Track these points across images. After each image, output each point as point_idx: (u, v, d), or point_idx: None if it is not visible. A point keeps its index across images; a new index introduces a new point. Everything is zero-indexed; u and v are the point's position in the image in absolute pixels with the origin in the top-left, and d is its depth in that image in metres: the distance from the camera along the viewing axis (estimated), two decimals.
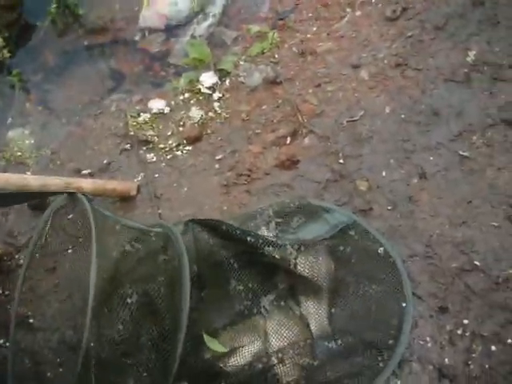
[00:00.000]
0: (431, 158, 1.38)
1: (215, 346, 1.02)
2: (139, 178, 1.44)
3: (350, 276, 1.17)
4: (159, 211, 1.33)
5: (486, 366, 1.09)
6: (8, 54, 1.81)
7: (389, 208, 1.31)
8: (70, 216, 1.27)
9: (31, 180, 1.27)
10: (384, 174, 1.37)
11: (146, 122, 1.53)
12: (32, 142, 1.58)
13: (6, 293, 1.30)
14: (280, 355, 1.06)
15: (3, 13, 1.87)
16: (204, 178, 1.42)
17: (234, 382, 1.03)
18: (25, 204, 1.42)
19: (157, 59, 1.79)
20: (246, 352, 1.04)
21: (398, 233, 1.27)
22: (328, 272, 1.15)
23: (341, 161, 1.40)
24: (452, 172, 1.35)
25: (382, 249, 1.21)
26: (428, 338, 1.14)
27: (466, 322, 1.15)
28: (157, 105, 1.56)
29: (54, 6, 1.94)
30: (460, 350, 1.12)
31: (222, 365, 1.04)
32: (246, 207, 1.34)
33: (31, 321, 1.24)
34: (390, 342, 1.09)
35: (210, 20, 1.89)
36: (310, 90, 1.54)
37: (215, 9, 1.92)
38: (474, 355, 1.11)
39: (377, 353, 1.08)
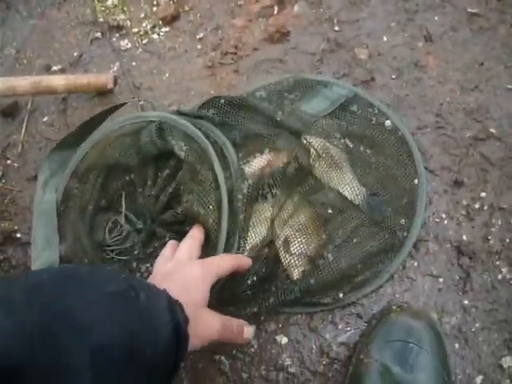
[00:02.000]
0: (436, 18, 1.25)
1: None
2: (115, 69, 1.30)
3: (357, 153, 1.08)
4: (140, 102, 1.20)
5: (507, 240, 1.03)
6: None
7: (393, 77, 1.19)
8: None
9: None
10: (385, 38, 1.24)
11: (115, 6, 1.37)
12: None
13: None
14: (286, 244, 0.98)
15: None
16: (186, 60, 1.28)
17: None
18: None
19: None
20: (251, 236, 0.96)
21: (404, 103, 1.16)
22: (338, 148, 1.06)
23: (336, 28, 1.26)
24: (460, 32, 1.23)
25: (388, 122, 1.11)
26: (444, 215, 1.06)
27: (483, 195, 1.07)
28: None
29: None
30: (478, 225, 1.05)
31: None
32: (235, 89, 1.22)
33: (18, 235, 1.18)
34: (404, 221, 1.02)
35: None
36: None
37: None
38: (493, 229, 1.04)
39: (390, 234, 1.01)
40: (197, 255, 0.83)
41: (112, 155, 1.03)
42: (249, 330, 0.84)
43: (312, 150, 1.02)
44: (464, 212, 1.06)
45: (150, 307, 0.60)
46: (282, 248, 0.96)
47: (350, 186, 1.02)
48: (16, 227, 1.19)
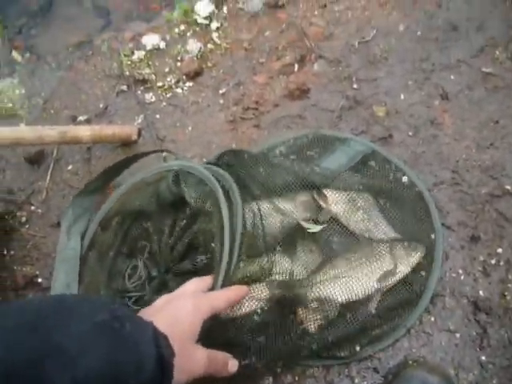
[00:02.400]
0: (452, 77, 1.29)
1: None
2: (139, 121, 1.35)
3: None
4: (164, 154, 1.24)
5: None
6: None
7: (410, 134, 1.22)
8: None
9: (25, 132, 1.20)
10: (402, 97, 1.27)
11: (141, 60, 1.43)
12: (22, 91, 1.48)
13: (12, 253, 1.24)
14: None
15: None
16: (209, 114, 1.33)
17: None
18: (21, 158, 1.35)
19: None
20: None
21: (421, 160, 1.19)
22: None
23: (355, 86, 1.30)
24: (475, 91, 1.26)
25: (405, 178, 1.13)
26: (460, 270, 1.08)
27: (499, 250, 1.09)
28: (151, 40, 1.45)
29: None
30: (495, 281, 1.06)
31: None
32: (256, 143, 1.25)
33: (40, 280, 1.20)
34: (421, 275, 1.03)
35: None
36: (316, 12, 1.43)
37: None
38: (509, 285, 1.05)
39: (407, 288, 1.01)
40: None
41: (134, 203, 1.06)
42: (233, 364, 0.83)
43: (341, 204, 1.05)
44: (480, 268, 1.08)
45: (134, 338, 0.60)
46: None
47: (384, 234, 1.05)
48: (37, 272, 1.21)
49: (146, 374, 0.59)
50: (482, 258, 1.08)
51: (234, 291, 0.83)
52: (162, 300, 0.78)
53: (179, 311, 0.73)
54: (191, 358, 0.71)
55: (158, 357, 0.61)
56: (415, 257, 1.01)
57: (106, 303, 0.66)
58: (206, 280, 0.85)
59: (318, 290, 0.96)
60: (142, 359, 0.59)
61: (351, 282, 0.97)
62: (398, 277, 0.99)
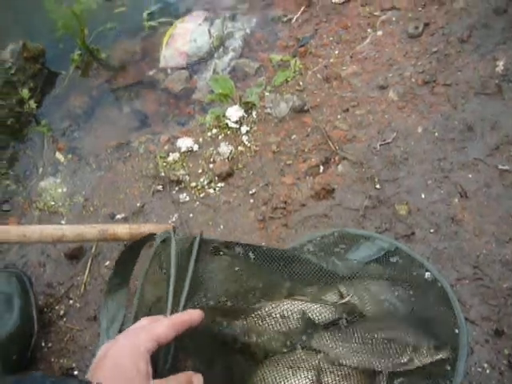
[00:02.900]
0: (470, 176, 1.34)
1: None
2: (174, 219, 1.43)
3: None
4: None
5: None
6: (34, 105, 1.83)
7: (431, 231, 1.28)
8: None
9: (66, 230, 1.27)
10: (423, 195, 1.33)
11: (175, 162, 1.53)
12: (64, 190, 1.59)
13: (49, 345, 1.29)
14: None
15: (27, 64, 1.89)
16: (239, 213, 1.40)
17: None
18: (61, 253, 1.42)
19: (181, 97, 1.79)
20: None
21: (443, 256, 1.23)
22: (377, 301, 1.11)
23: (377, 186, 1.37)
24: (493, 188, 1.32)
25: (428, 274, 1.17)
26: (485, 365, 1.10)
27: None
28: (185, 143, 1.56)
29: (78, 52, 1.98)
30: None
31: None
32: (284, 241, 1.32)
33: (76, 373, 1.24)
34: (446, 370, 1.05)
35: (231, 54, 1.89)
36: (339, 116, 1.52)
37: (235, 42, 1.93)
38: None
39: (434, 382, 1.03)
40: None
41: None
42: (199, 378, 0.76)
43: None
44: (505, 361, 1.09)
45: None
46: None
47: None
48: (74, 365, 1.25)
49: None
50: (506, 352, 1.10)
51: (181, 316, 0.76)
52: (101, 351, 0.69)
53: (118, 357, 0.66)
54: None
55: None
56: (437, 357, 1.03)
57: (47, 378, 0.61)
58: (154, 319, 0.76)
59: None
60: None
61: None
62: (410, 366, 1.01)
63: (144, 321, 0.75)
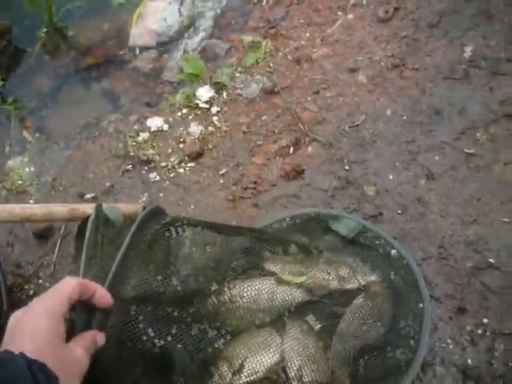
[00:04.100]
0: (437, 158, 1.37)
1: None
2: (144, 199, 1.43)
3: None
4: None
5: (510, 364, 1.09)
6: (1, 82, 1.79)
7: (399, 212, 1.30)
8: None
9: (36, 209, 1.25)
10: (391, 177, 1.36)
11: (145, 142, 1.52)
12: (32, 169, 1.57)
13: None
14: (298, 373, 1.03)
15: None
16: (209, 193, 1.41)
17: None
18: (29, 233, 1.41)
19: (151, 77, 1.78)
20: (259, 366, 1.00)
21: (409, 236, 1.26)
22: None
23: (346, 167, 1.39)
24: (459, 170, 1.35)
25: (394, 251, 1.19)
26: (449, 340, 1.14)
27: (485, 321, 1.14)
28: (155, 123, 1.55)
29: (44, 30, 1.94)
30: (482, 350, 1.11)
31: (234, 379, 1.01)
32: (254, 220, 1.33)
33: None
34: (411, 343, 1.08)
35: (201, 34, 1.88)
36: (309, 98, 1.53)
37: (205, 22, 1.92)
38: (496, 354, 1.10)
39: (398, 356, 1.06)
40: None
41: None
42: (102, 336, 0.75)
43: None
44: (468, 337, 1.13)
45: (6, 380, 0.56)
46: (295, 377, 1.02)
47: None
48: None
49: None
50: (469, 329, 1.14)
51: (83, 281, 0.72)
52: (13, 319, 0.67)
53: (34, 323, 0.64)
54: (72, 362, 0.67)
55: None
56: (370, 278, 1.11)
57: None
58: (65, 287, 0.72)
59: None
60: None
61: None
62: (352, 284, 1.08)
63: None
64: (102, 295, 0.75)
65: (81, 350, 0.69)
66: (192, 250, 0.98)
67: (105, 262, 0.89)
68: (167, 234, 0.99)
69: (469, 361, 1.10)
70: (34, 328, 0.64)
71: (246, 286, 1.01)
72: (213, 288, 0.98)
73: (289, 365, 1.01)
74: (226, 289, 0.99)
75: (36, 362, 0.59)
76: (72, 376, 0.65)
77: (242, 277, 1.02)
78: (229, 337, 0.98)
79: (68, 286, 0.69)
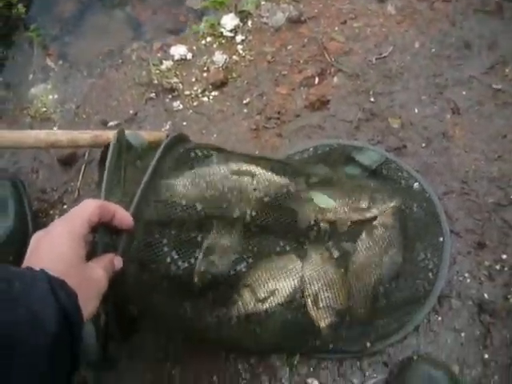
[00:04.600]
0: (464, 93, 1.35)
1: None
2: (167, 127, 1.43)
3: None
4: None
5: None
6: (23, 9, 1.77)
7: (423, 145, 1.29)
8: None
9: (60, 135, 1.27)
10: (416, 110, 1.34)
11: (169, 70, 1.51)
12: (55, 96, 1.57)
13: None
14: (315, 298, 1.05)
15: None
16: (233, 123, 1.40)
17: (267, 324, 1.04)
18: (54, 159, 1.42)
19: (174, 4, 1.73)
20: (280, 291, 1.03)
21: (433, 170, 1.26)
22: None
23: (372, 99, 1.37)
24: (485, 106, 1.33)
25: (416, 184, 1.20)
26: (467, 274, 1.15)
27: (504, 257, 1.15)
28: (178, 51, 1.53)
29: None
30: (499, 285, 1.13)
31: (256, 304, 1.03)
32: (277, 150, 1.33)
33: None
34: (430, 275, 1.10)
35: None
36: (336, 28, 1.50)
37: None
38: None
39: (416, 287, 1.09)
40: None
41: None
42: (119, 259, 0.77)
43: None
44: (486, 272, 1.15)
45: (26, 296, 0.56)
46: (310, 302, 1.04)
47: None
48: None
49: (49, 327, 0.56)
50: (487, 264, 1.15)
51: (103, 202, 0.74)
52: (34, 239, 0.70)
53: (56, 244, 0.66)
54: (91, 281, 0.68)
55: (59, 307, 0.58)
56: (389, 205, 1.11)
57: None
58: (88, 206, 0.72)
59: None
60: (39, 316, 0.56)
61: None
62: (372, 214, 1.10)
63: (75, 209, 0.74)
64: (123, 216, 0.76)
65: (100, 270, 0.71)
66: (216, 176, 0.99)
67: (129, 186, 0.91)
68: (192, 157, 1.00)
69: (485, 295, 1.12)
70: (55, 247, 0.66)
71: (267, 211, 1.02)
72: (235, 215, 0.98)
73: (307, 290, 1.03)
74: (248, 216, 0.99)
75: (56, 278, 0.61)
76: (91, 295, 0.67)
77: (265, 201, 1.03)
78: (251, 261, 1.00)
79: (88, 208, 0.71)
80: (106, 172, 0.82)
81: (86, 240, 0.71)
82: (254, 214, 0.98)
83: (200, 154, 1.01)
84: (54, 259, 0.65)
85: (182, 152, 0.99)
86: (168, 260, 0.87)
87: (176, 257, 0.89)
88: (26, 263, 0.65)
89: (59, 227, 0.68)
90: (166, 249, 0.87)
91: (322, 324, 1.03)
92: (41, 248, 0.67)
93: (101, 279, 0.70)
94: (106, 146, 0.92)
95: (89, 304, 0.66)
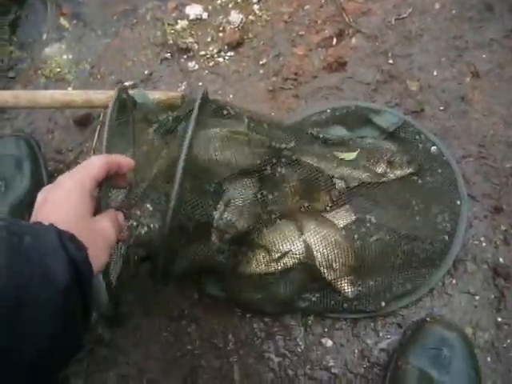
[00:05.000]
0: (484, 56, 1.33)
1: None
2: (182, 87, 1.42)
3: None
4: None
5: None
6: None
7: (441, 108, 1.28)
8: None
9: (75, 95, 1.27)
10: (435, 73, 1.32)
11: (184, 29, 1.49)
12: (70, 56, 1.55)
13: None
14: (327, 259, 1.06)
15: None
16: (249, 83, 1.39)
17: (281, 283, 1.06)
18: (70, 120, 1.42)
19: None
20: (294, 251, 1.05)
21: (451, 133, 1.25)
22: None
23: (390, 61, 1.35)
24: (506, 70, 1.31)
25: (434, 148, 1.19)
26: (482, 238, 1.15)
27: None
28: (194, 10, 1.51)
29: None
30: None
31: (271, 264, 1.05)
32: (294, 112, 1.32)
33: None
34: (446, 238, 1.10)
35: None
36: None
37: None
38: None
39: (432, 249, 1.09)
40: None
41: None
42: (121, 215, 0.80)
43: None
44: (502, 237, 1.15)
45: (37, 249, 0.57)
46: (323, 266, 1.05)
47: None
48: None
49: (60, 280, 0.57)
50: (503, 228, 1.15)
51: (110, 158, 0.75)
52: (42, 194, 0.71)
53: (63, 197, 0.67)
54: (100, 235, 0.70)
55: (70, 260, 0.58)
56: (406, 171, 1.14)
57: None
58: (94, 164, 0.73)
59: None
60: (50, 270, 0.56)
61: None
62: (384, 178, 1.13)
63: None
64: (127, 163, 0.78)
65: (108, 223, 0.73)
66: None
67: (139, 138, 0.94)
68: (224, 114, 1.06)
69: (500, 259, 1.12)
70: (62, 201, 0.67)
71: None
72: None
73: (317, 252, 1.05)
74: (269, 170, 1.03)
75: (66, 232, 0.61)
76: (100, 248, 0.69)
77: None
78: (273, 216, 1.04)
79: (95, 164, 0.72)
80: (106, 126, 0.83)
81: (93, 195, 0.72)
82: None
83: (232, 111, 1.05)
84: (63, 213, 0.65)
85: (214, 108, 1.03)
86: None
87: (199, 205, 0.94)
88: (35, 218, 0.66)
89: (67, 183, 0.69)
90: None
91: (345, 287, 1.04)
92: (49, 203, 0.67)
93: (109, 232, 0.72)
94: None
95: (99, 257, 0.67)
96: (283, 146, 1.04)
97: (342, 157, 1.11)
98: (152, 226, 0.90)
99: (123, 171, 0.77)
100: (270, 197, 1.03)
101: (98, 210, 0.74)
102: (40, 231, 0.60)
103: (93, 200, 0.72)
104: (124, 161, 0.77)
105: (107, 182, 0.75)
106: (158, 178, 0.93)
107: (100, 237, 0.69)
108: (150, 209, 0.91)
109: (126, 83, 1.45)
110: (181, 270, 0.97)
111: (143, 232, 0.90)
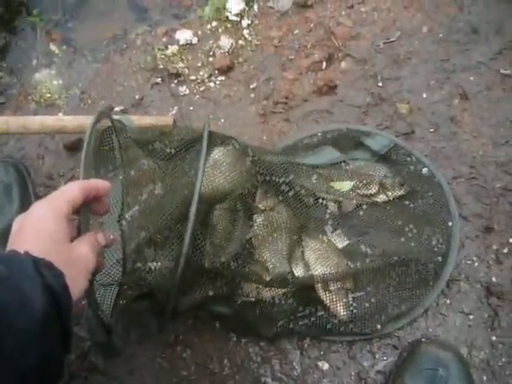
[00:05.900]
0: (472, 78, 1.35)
1: None
2: (173, 112, 1.42)
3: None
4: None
5: None
6: None
7: (431, 130, 1.29)
8: None
9: (66, 121, 1.26)
10: (424, 95, 1.34)
11: (174, 55, 1.50)
12: (60, 82, 1.55)
13: None
14: (324, 283, 1.06)
15: None
16: (240, 108, 1.40)
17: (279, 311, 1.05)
18: (60, 145, 1.42)
19: None
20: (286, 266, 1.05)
21: (441, 155, 1.26)
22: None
23: (380, 84, 1.37)
24: (494, 91, 1.32)
25: (425, 169, 1.21)
26: (475, 258, 1.16)
27: (511, 240, 1.16)
28: (184, 36, 1.52)
29: None
30: (507, 268, 1.14)
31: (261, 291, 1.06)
32: (285, 135, 1.33)
33: None
34: (439, 259, 1.11)
35: None
36: (343, 12, 1.49)
37: None
38: None
39: (426, 270, 1.10)
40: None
41: None
42: (101, 236, 0.76)
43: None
44: (494, 256, 1.16)
45: (12, 278, 0.56)
46: (320, 287, 1.06)
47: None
48: None
49: (37, 308, 0.56)
50: (495, 247, 1.17)
51: (86, 183, 0.73)
52: (17, 222, 0.69)
53: (39, 224, 0.65)
54: (78, 260, 0.67)
55: (46, 288, 0.57)
56: (398, 193, 1.16)
57: None
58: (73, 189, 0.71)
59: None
60: (26, 298, 0.55)
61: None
62: (380, 198, 1.15)
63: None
64: (105, 186, 0.75)
65: (86, 247, 0.70)
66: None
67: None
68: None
69: (493, 278, 1.13)
70: (38, 228, 0.65)
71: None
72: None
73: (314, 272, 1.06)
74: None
75: (42, 259, 0.60)
76: (78, 273, 0.67)
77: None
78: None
79: (69, 190, 0.70)
80: (83, 152, 0.80)
81: (69, 220, 0.69)
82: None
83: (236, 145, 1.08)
84: (38, 239, 0.64)
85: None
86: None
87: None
88: (11, 246, 0.64)
89: (42, 209, 0.67)
90: None
91: (341, 312, 1.04)
92: (24, 229, 0.65)
93: (88, 256, 0.69)
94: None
95: (77, 282, 0.65)
96: (282, 179, 1.05)
97: (339, 188, 1.12)
98: (155, 267, 0.89)
99: (101, 194, 0.75)
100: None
101: (78, 236, 0.73)
102: (14, 259, 0.59)
103: (70, 225, 0.69)
104: (102, 185, 0.74)
105: (86, 208, 0.73)
106: (164, 219, 0.93)
107: (79, 262, 0.67)
108: (152, 252, 0.91)
109: (117, 108, 1.45)
110: (184, 307, 0.97)
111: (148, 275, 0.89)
